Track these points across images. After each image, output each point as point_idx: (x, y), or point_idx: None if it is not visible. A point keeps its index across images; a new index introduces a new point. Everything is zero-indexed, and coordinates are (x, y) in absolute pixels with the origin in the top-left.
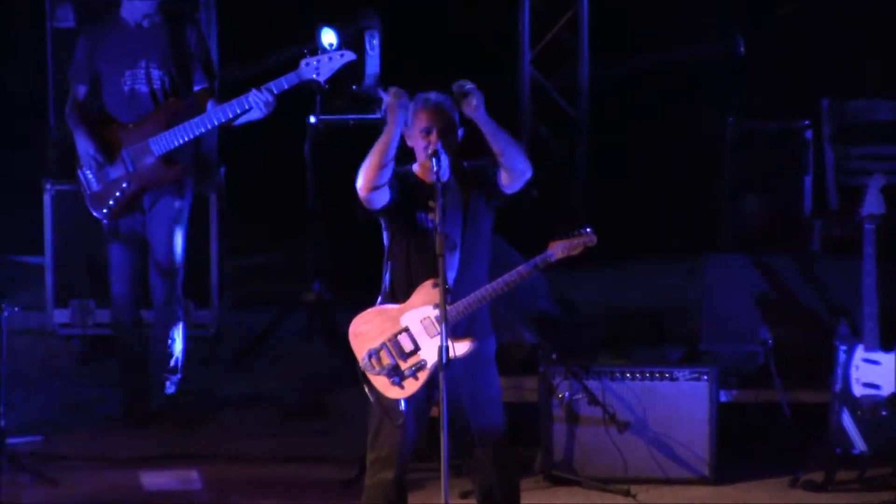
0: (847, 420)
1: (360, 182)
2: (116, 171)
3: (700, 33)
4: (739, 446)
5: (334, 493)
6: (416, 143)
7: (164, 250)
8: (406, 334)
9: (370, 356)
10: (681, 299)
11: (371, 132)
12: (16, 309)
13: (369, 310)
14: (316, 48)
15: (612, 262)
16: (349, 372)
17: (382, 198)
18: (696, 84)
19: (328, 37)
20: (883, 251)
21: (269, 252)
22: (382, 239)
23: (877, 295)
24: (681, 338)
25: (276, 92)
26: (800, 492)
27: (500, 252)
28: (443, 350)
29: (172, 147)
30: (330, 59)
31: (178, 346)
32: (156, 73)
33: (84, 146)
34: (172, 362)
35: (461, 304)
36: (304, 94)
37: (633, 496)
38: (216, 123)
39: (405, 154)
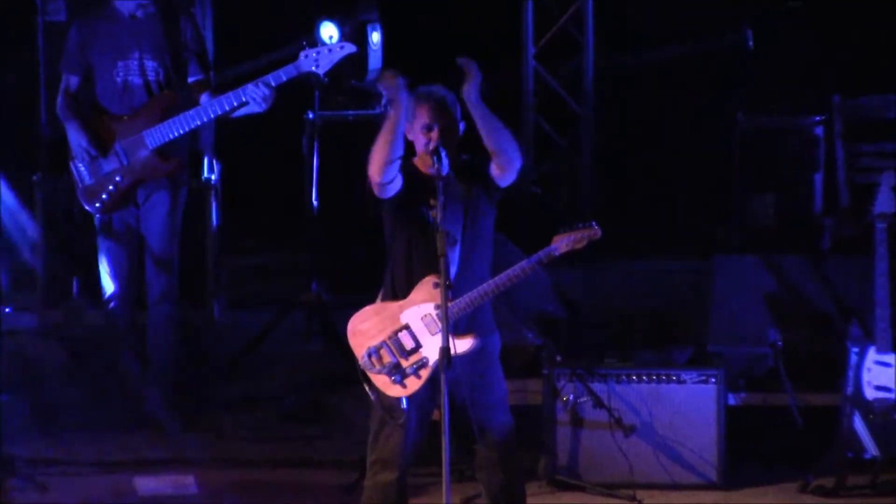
0: (859, 423)
1: (373, 167)
2: (110, 165)
3: (708, 27)
4: (748, 450)
5: (334, 498)
6: (417, 138)
7: (159, 246)
8: (407, 331)
9: (370, 355)
10: (688, 300)
11: (372, 129)
12: (6, 309)
13: (368, 307)
14: (315, 41)
15: (618, 262)
16: (348, 373)
17: (395, 186)
18: (703, 79)
19: (328, 31)
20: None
21: (266, 251)
22: (383, 237)
23: (889, 295)
24: (688, 339)
25: (273, 85)
26: (810, 497)
27: (502, 249)
28: (445, 352)
29: (167, 140)
30: (329, 51)
31: (172, 347)
32: (149, 65)
33: (76, 139)
34: (167, 363)
35: (462, 301)
36: (303, 89)
37: (639, 502)
38: (212, 116)
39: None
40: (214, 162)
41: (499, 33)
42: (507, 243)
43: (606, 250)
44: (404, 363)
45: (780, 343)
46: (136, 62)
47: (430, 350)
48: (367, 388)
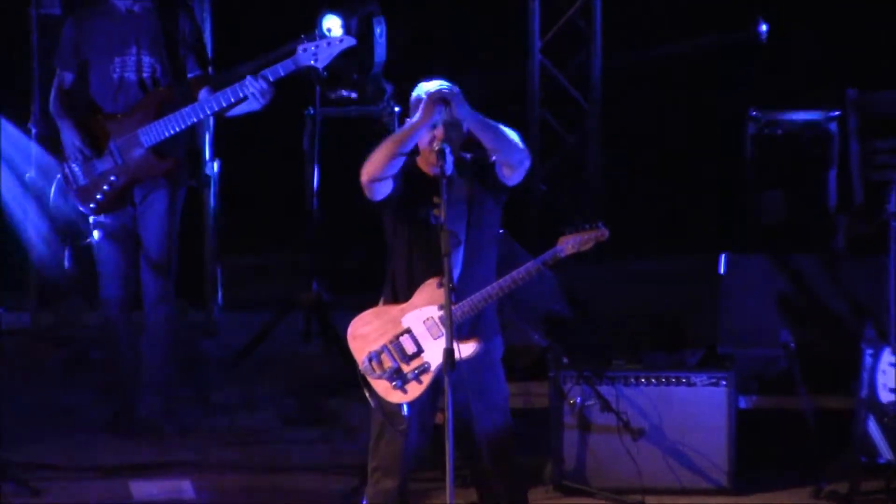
0: (873, 427)
1: (367, 168)
2: (104, 164)
3: (720, 20)
4: (760, 455)
5: None
6: (420, 135)
7: (156, 247)
8: (408, 336)
9: (370, 359)
10: (698, 300)
11: (374, 125)
12: None
13: (369, 311)
14: (314, 34)
15: (626, 261)
16: (349, 376)
17: (385, 188)
18: (715, 74)
19: (332, 24)
20: None
21: (265, 250)
22: (384, 236)
23: None
24: (698, 341)
25: (271, 80)
26: (823, 503)
27: (507, 250)
28: (448, 353)
29: (163, 138)
30: (329, 44)
31: (169, 349)
32: (146, 61)
33: (70, 138)
34: (163, 365)
35: (466, 304)
36: (305, 85)
37: None
38: (209, 113)
39: None
40: (213, 159)
41: (505, 27)
42: (512, 242)
43: (614, 249)
44: (405, 368)
45: (792, 344)
46: (132, 58)
47: (432, 355)
48: (367, 394)
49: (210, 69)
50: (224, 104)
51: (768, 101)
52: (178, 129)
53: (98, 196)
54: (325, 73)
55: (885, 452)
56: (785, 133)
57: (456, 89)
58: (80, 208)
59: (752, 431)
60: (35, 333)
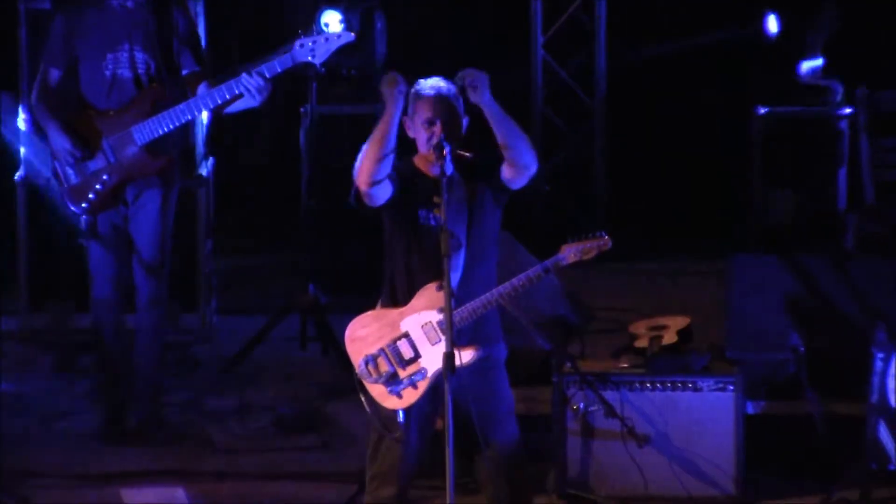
0: (884, 433)
1: (359, 176)
2: (96, 163)
3: (727, 14)
4: (768, 461)
5: None
6: (419, 134)
7: (149, 248)
8: (406, 340)
9: (367, 363)
10: (704, 302)
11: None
12: None
13: (368, 313)
14: (311, 29)
15: (631, 262)
16: (346, 381)
17: (384, 193)
18: (722, 69)
19: (331, 19)
20: None
21: (260, 252)
22: (383, 237)
23: None
24: (705, 344)
25: (268, 76)
26: None
27: (508, 251)
28: (448, 357)
29: (157, 136)
30: (326, 40)
31: (161, 353)
32: (140, 57)
33: (59, 142)
34: (155, 370)
35: (465, 310)
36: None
37: None
38: (203, 110)
39: (404, 145)
40: (207, 158)
41: (506, 22)
42: (514, 243)
43: (618, 250)
44: (402, 373)
45: (801, 348)
46: (125, 54)
47: (429, 361)
48: (363, 399)
49: (207, 65)
50: (219, 101)
51: (776, 98)
52: (172, 127)
53: (90, 195)
54: (322, 69)
55: None
56: (793, 130)
57: (482, 75)
58: (72, 208)
59: (761, 437)
60: (25, 337)
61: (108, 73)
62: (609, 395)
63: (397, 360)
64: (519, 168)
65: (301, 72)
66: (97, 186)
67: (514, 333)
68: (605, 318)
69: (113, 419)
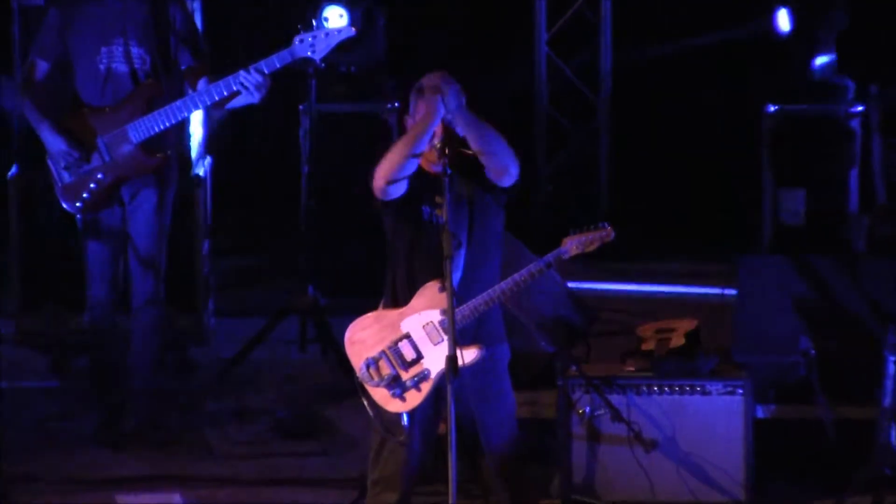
0: None
1: (382, 171)
2: (92, 162)
3: (735, 11)
4: (778, 467)
5: None
6: None
7: (146, 248)
8: (407, 341)
9: (368, 366)
10: (713, 304)
11: (372, 121)
12: None
13: (367, 315)
14: (312, 24)
15: (637, 263)
16: (346, 384)
17: (399, 189)
18: (729, 67)
19: (332, 14)
20: None
21: (259, 252)
22: (384, 237)
23: None
24: (713, 347)
25: (267, 72)
26: None
27: (512, 251)
28: (451, 360)
29: (152, 133)
30: (326, 35)
31: (157, 356)
32: (136, 52)
33: (54, 143)
34: (151, 373)
35: (467, 308)
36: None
37: None
38: (200, 107)
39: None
40: (205, 156)
41: (509, 18)
42: (517, 242)
43: (624, 250)
44: (404, 375)
45: (812, 351)
46: (120, 48)
47: (432, 362)
48: (365, 403)
49: (207, 59)
50: (216, 97)
51: (785, 96)
52: (168, 125)
53: (84, 194)
54: (322, 64)
55: None
56: (804, 129)
57: (452, 82)
58: (66, 207)
59: (770, 442)
60: (18, 339)
61: (102, 67)
62: (615, 398)
63: (399, 362)
64: (498, 171)
65: (300, 68)
66: (91, 185)
67: (516, 335)
68: (610, 320)
69: (108, 423)
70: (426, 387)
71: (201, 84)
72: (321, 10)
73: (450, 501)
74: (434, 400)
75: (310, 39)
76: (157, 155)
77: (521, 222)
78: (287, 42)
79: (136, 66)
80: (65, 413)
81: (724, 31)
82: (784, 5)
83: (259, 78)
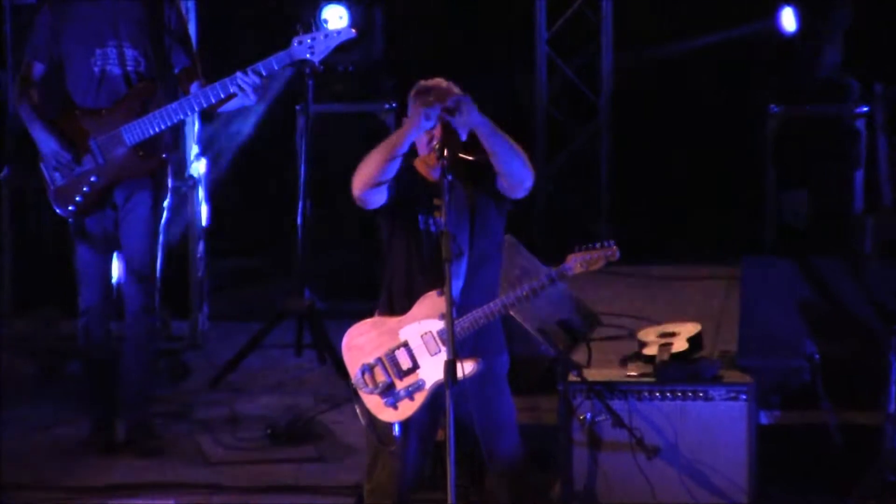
0: None
1: (358, 179)
2: (84, 164)
3: (738, 11)
4: (781, 473)
5: None
6: (419, 137)
7: (139, 252)
8: (404, 350)
9: (363, 372)
10: (715, 308)
11: (369, 122)
12: None
13: (366, 320)
14: (311, 25)
15: (639, 266)
16: (342, 390)
17: (379, 198)
18: (733, 66)
19: (331, 15)
20: None
21: (253, 256)
22: (381, 240)
23: None
24: (716, 352)
25: (264, 74)
26: None
27: (511, 256)
28: (450, 366)
29: (147, 136)
30: (325, 37)
31: (151, 361)
32: (129, 53)
33: (47, 144)
34: (145, 379)
35: (466, 320)
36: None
37: None
38: (196, 109)
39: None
40: (199, 158)
41: (509, 18)
42: (518, 246)
43: (626, 254)
44: (399, 384)
45: (816, 356)
46: (114, 50)
47: (428, 372)
48: (358, 411)
49: (198, 62)
50: (213, 100)
51: (789, 97)
52: (163, 127)
53: (77, 198)
54: (321, 66)
55: None
56: (808, 130)
57: (465, 98)
58: (58, 211)
59: (774, 448)
60: (8, 344)
61: (96, 69)
62: (617, 404)
63: (394, 370)
64: (514, 185)
65: (297, 68)
66: (84, 188)
67: (516, 340)
68: (612, 325)
69: (101, 429)
70: (420, 397)
71: (194, 87)
72: (320, 10)
73: None
74: (431, 408)
75: (309, 41)
76: (152, 158)
77: (521, 223)
78: (286, 44)
79: (129, 68)
80: (56, 419)
81: (727, 30)
82: (789, 4)
83: (257, 80)
